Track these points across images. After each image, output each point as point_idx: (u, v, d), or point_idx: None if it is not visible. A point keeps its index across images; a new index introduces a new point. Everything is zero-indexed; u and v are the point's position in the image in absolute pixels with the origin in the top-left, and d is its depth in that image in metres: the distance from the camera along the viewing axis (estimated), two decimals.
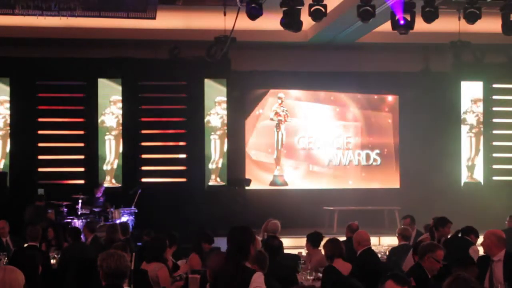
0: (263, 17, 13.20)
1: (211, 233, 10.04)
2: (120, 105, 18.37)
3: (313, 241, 9.92)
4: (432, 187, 18.36)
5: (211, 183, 18.72)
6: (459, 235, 10.56)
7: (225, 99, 18.76)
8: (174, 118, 18.63)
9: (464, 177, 19.65)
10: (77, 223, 15.19)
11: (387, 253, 10.71)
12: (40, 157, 18.08)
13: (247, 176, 18.76)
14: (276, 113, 19.19)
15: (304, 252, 10.29)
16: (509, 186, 19.21)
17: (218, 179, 18.73)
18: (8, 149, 17.93)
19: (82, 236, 11.42)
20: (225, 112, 18.78)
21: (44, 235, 11.72)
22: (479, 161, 19.70)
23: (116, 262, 5.12)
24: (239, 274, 5.61)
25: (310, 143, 19.32)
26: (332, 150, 19.36)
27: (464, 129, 19.71)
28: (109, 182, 18.07)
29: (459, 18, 15.63)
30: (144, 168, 18.49)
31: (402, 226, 11.80)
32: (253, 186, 18.45)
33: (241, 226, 6.21)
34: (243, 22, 13.97)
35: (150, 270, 8.03)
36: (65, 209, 15.74)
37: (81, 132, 18.29)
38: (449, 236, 10.92)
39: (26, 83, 17.97)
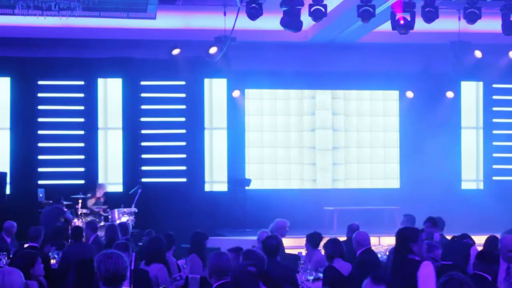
0: (263, 17, 13.21)
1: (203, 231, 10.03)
2: (120, 105, 18.38)
3: (312, 241, 9.93)
4: (432, 187, 18.36)
5: (211, 183, 18.73)
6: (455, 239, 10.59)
7: (225, 99, 18.78)
8: (174, 118, 18.64)
9: (464, 177, 19.67)
10: (77, 223, 15.19)
11: (387, 253, 10.71)
12: (40, 157, 18.09)
13: (247, 176, 18.77)
14: (276, 113, 19.19)
15: (304, 252, 10.29)
16: (509, 186, 19.22)
17: (218, 179, 18.74)
18: (8, 149, 17.94)
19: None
20: (225, 112, 18.79)
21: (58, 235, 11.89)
22: (479, 161, 19.72)
23: (114, 265, 4.87)
24: (405, 266, 6.42)
25: (310, 143, 19.31)
26: (332, 150, 19.36)
27: (464, 129, 19.75)
28: (109, 182, 18.06)
29: (459, 18, 15.64)
30: (144, 168, 18.50)
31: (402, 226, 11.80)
32: (253, 186, 18.46)
33: (408, 227, 7.26)
34: (243, 22, 13.97)
35: (150, 270, 8.04)
36: (65, 209, 15.75)
37: (81, 132, 18.29)
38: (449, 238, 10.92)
39: (26, 83, 17.98)
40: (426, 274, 6.31)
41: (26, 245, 11.28)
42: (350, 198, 18.23)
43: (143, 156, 18.54)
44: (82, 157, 18.26)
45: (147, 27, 17.02)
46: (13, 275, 5.48)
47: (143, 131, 18.54)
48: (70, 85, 18.30)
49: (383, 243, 13.96)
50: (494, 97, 19.89)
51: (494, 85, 19.80)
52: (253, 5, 12.85)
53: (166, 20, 16.96)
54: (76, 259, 9.50)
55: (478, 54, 17.79)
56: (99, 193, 16.59)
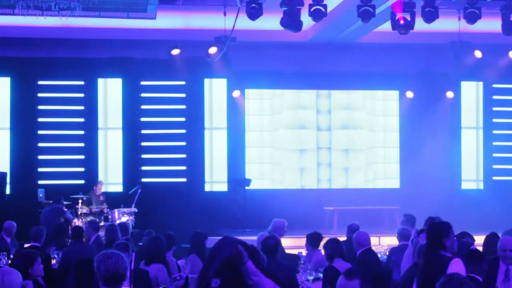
0: (263, 17, 13.21)
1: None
2: (120, 105, 18.38)
3: (312, 241, 9.92)
4: (432, 187, 18.37)
5: (211, 183, 18.73)
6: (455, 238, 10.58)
7: (225, 99, 18.78)
8: (174, 118, 18.64)
9: (464, 177, 19.67)
10: (77, 223, 15.19)
11: (387, 253, 10.71)
12: (40, 157, 18.10)
13: (247, 176, 18.77)
14: (276, 113, 19.20)
15: (304, 252, 10.29)
16: (509, 186, 19.23)
17: (218, 179, 18.74)
18: (8, 149, 17.94)
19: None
20: (225, 112, 18.79)
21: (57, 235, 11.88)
22: (479, 161, 19.72)
23: (114, 265, 4.85)
24: (436, 262, 6.43)
25: (311, 143, 19.31)
26: (332, 150, 19.36)
27: (464, 129, 19.76)
28: (109, 182, 18.07)
29: (459, 18, 15.64)
30: (144, 168, 18.50)
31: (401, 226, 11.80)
32: (253, 186, 18.46)
33: (439, 221, 7.11)
34: (243, 22, 13.97)
35: (150, 270, 8.04)
36: (65, 209, 15.76)
37: (81, 132, 18.30)
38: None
39: (26, 83, 17.99)
40: (456, 271, 6.28)
41: (27, 245, 11.28)
42: (350, 198, 18.23)
43: (143, 156, 18.54)
44: (82, 157, 18.27)
45: (147, 27, 17.02)
46: (12, 275, 5.50)
47: (143, 131, 18.54)
48: (70, 85, 18.30)
49: (383, 243, 13.98)
50: (494, 97, 19.90)
51: (494, 85, 19.81)
52: (253, 5, 12.86)
53: (166, 20, 16.96)
54: (76, 259, 9.49)
55: (478, 54, 17.79)
56: (98, 191, 16.60)
